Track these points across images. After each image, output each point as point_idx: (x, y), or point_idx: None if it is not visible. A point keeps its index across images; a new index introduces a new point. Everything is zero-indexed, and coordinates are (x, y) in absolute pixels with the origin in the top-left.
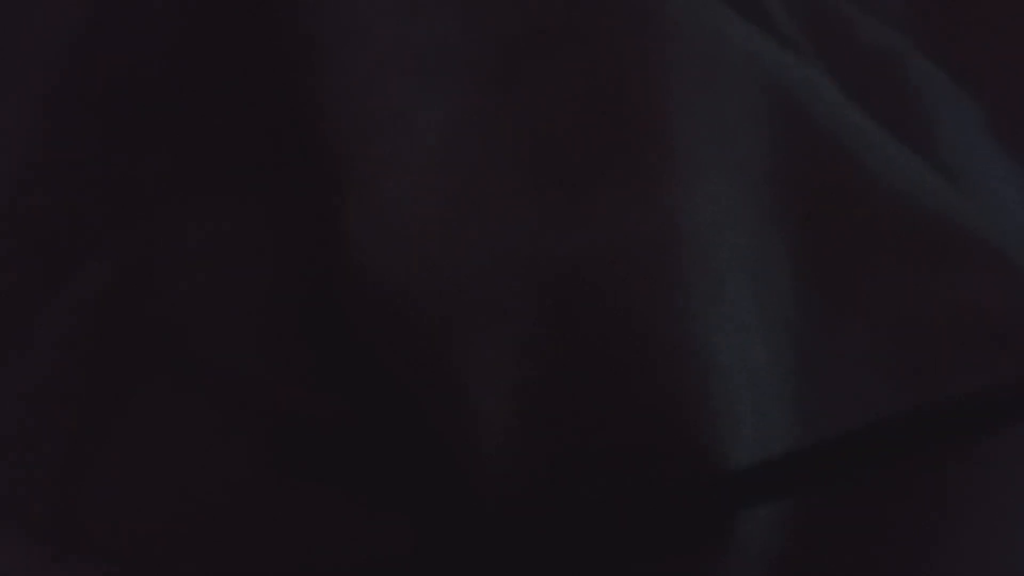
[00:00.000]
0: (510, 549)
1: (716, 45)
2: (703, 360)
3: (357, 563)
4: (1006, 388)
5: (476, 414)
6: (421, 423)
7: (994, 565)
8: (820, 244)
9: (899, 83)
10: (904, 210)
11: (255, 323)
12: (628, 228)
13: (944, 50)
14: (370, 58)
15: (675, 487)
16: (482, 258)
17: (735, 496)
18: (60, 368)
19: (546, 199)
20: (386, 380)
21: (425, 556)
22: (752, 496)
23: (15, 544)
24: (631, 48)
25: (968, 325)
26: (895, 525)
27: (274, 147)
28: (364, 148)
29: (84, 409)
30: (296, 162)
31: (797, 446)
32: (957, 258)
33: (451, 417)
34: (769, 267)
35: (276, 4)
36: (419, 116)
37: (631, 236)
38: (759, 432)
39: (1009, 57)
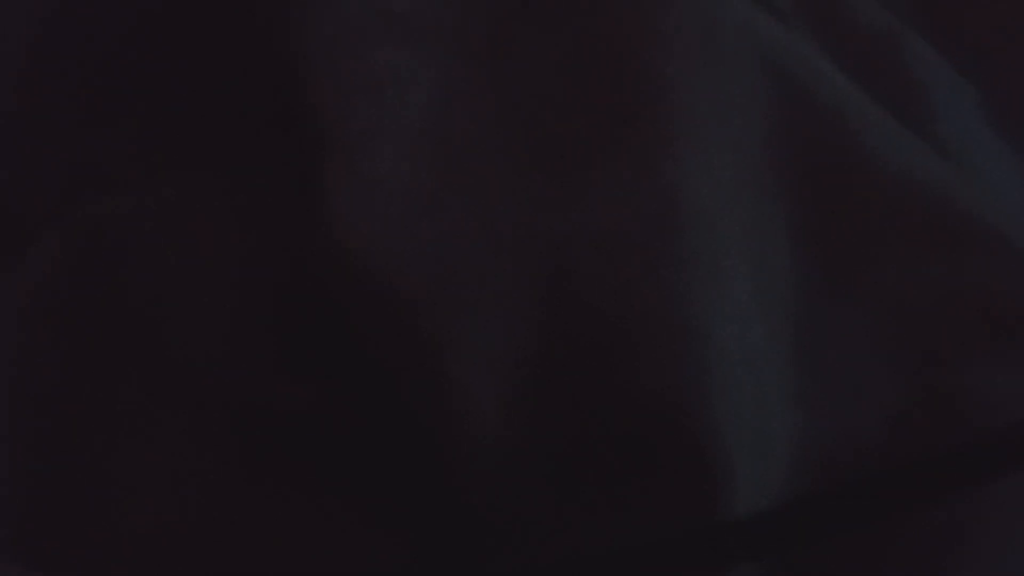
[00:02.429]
0: (497, 553)
1: (714, 18)
2: (702, 343)
3: (340, 562)
4: (1007, 433)
5: (463, 403)
6: (405, 414)
7: None
8: (821, 226)
9: (897, 64)
10: (907, 192)
11: (224, 309)
12: (625, 206)
13: (941, 33)
14: (354, 25)
15: (672, 536)
16: (470, 236)
17: (732, 547)
18: (22, 364)
19: (538, 176)
20: (368, 369)
21: (411, 556)
22: (750, 548)
23: None
24: (627, 19)
25: (972, 312)
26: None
27: (247, 120)
28: (347, 116)
29: (52, 410)
30: (272, 135)
31: (797, 447)
32: (961, 242)
33: (437, 406)
34: (768, 249)
35: None
36: (404, 86)
37: (628, 214)
38: (759, 418)
39: (1005, 40)
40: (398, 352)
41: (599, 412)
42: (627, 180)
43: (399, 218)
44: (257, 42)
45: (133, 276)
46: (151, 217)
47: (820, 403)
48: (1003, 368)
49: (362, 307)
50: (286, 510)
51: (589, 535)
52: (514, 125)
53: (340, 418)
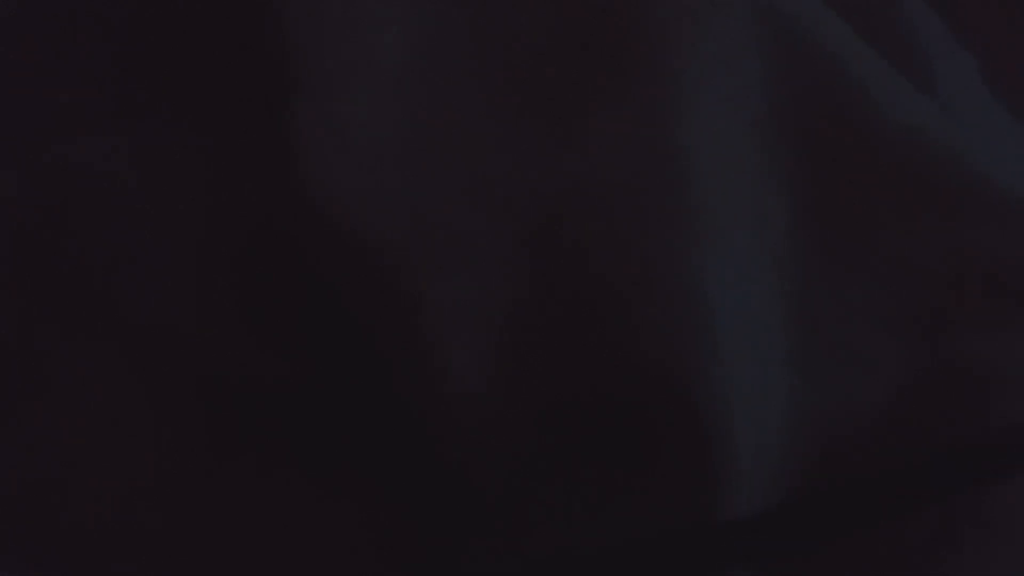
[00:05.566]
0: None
1: None
2: (699, 301)
3: (316, 548)
4: (1007, 436)
5: (442, 363)
6: (382, 379)
7: None
8: (821, 183)
9: (897, 21)
10: (911, 147)
11: (186, 271)
12: (620, 157)
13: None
14: None
15: (662, 538)
16: (452, 189)
17: (726, 550)
18: None
19: (526, 127)
20: (342, 329)
21: (395, 538)
22: (743, 551)
23: None
24: None
25: (978, 276)
26: None
27: (220, 65)
28: (319, 57)
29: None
30: (245, 80)
31: (793, 423)
32: (967, 201)
33: (414, 366)
34: (767, 206)
35: None
36: (384, 27)
37: (624, 166)
38: (754, 382)
39: (1002, 8)
40: (371, 309)
41: (589, 374)
42: (623, 130)
43: (372, 164)
44: None
45: (94, 223)
46: (119, 163)
47: (819, 368)
48: (1009, 334)
49: (333, 260)
50: (257, 492)
51: (578, 508)
52: (501, 69)
53: (314, 386)
